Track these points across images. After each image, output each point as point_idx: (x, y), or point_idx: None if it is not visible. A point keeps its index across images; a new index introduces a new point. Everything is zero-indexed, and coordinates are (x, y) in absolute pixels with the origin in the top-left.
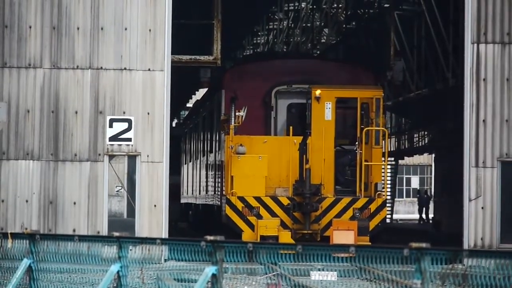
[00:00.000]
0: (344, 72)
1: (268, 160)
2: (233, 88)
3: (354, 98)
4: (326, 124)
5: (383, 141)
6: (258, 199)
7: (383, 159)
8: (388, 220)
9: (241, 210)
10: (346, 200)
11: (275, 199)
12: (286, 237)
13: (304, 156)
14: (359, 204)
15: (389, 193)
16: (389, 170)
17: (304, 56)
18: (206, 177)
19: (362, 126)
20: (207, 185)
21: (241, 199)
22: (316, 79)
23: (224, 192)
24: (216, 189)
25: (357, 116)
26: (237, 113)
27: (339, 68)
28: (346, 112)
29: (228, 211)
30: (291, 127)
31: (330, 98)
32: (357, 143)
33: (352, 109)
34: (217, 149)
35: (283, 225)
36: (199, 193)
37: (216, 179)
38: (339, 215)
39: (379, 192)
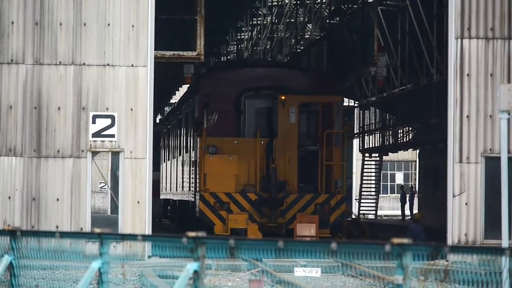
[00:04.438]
0: (308, 79)
1: (237, 160)
2: (206, 93)
3: (316, 103)
4: (290, 126)
5: (343, 142)
6: (228, 195)
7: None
8: (372, 216)
9: (213, 205)
10: (308, 196)
11: (244, 195)
12: (254, 229)
13: (271, 156)
14: (320, 199)
15: (373, 189)
16: (373, 167)
17: (272, 64)
18: (182, 175)
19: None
20: (183, 182)
21: (213, 195)
22: (282, 85)
23: (198, 189)
24: (191, 186)
25: (319, 120)
26: (209, 117)
27: (303, 76)
28: (309, 116)
29: (202, 206)
30: (258, 130)
31: (294, 103)
32: (318, 144)
33: (315, 113)
34: (191, 149)
35: (251, 218)
36: (176, 190)
37: (191, 177)
38: (302, 210)
39: (338, 189)
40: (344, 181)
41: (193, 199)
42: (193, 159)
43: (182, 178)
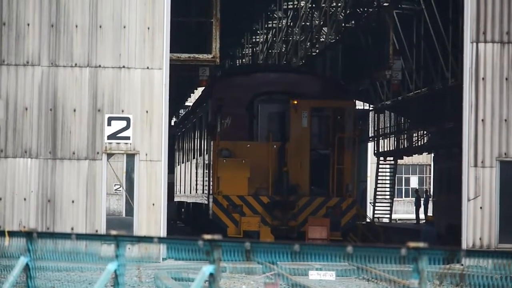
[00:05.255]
0: (319, 84)
1: (250, 163)
2: (219, 98)
3: (328, 108)
4: (302, 130)
5: (354, 146)
6: (241, 198)
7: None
8: (386, 220)
9: (226, 207)
10: (320, 199)
11: (256, 197)
12: (266, 232)
13: (283, 159)
14: (331, 203)
15: (388, 193)
16: (387, 170)
17: (284, 69)
18: (196, 178)
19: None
20: (197, 185)
21: (226, 197)
22: (294, 90)
23: (211, 192)
24: (204, 189)
25: (330, 124)
26: (222, 121)
27: (315, 81)
28: (321, 120)
29: (215, 208)
30: (270, 134)
31: (306, 107)
32: (330, 148)
33: (326, 117)
34: (205, 152)
35: (264, 221)
36: (190, 192)
37: (204, 180)
38: (313, 213)
39: (349, 192)
40: (355, 184)
41: (206, 202)
42: (207, 162)
43: (196, 181)
